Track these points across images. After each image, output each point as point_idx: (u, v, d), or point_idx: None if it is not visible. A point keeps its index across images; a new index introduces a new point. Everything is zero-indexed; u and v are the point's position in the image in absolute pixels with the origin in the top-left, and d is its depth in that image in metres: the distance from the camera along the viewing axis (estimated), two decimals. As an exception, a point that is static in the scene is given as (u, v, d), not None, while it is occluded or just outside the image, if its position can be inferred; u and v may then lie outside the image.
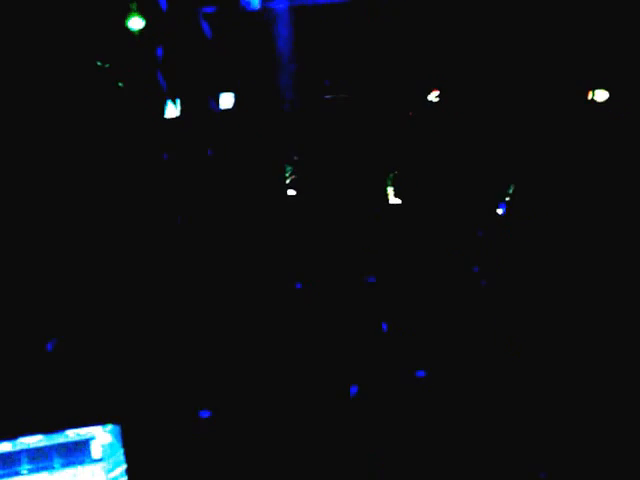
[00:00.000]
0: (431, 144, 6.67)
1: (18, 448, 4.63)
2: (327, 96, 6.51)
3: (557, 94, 6.79)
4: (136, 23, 6.46)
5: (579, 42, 6.72)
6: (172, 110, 6.46)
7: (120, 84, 6.41)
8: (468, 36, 6.58)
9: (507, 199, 6.64)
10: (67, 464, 4.69)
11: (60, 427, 4.77)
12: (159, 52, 6.29)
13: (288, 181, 6.55)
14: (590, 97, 6.85)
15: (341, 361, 5.97)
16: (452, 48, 6.60)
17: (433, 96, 6.66)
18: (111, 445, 4.80)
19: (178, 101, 6.41)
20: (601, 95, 6.86)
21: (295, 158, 6.56)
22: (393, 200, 6.69)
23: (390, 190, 6.66)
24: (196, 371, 5.48)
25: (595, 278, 6.49)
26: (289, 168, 6.55)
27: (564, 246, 6.63)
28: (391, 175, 6.63)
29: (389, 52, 6.55)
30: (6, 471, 4.63)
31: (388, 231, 6.65)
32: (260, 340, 5.75)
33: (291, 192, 6.58)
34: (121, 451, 4.85)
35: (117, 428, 4.92)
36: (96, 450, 4.71)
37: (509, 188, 6.71)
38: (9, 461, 4.63)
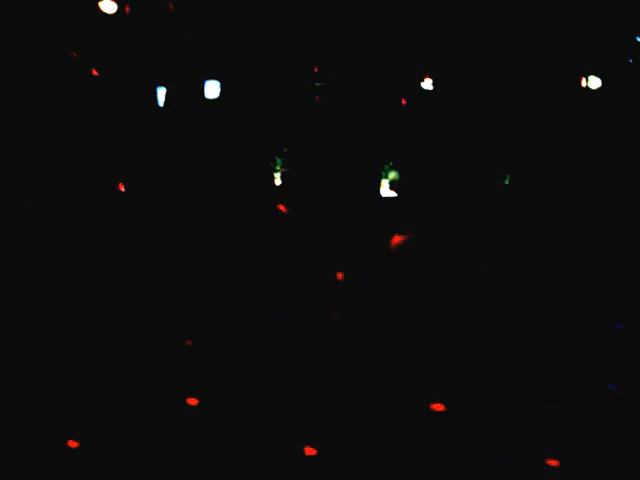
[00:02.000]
0: (425, 133, 6.41)
1: None
2: (318, 83, 6.20)
3: (551, 81, 6.62)
4: (109, 7, 6.05)
5: (572, 28, 6.57)
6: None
7: (94, 71, 5.97)
8: (462, 22, 6.36)
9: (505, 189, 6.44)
10: None
11: None
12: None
13: (278, 174, 6.22)
14: (584, 84, 6.70)
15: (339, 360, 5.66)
16: (446, 34, 6.36)
17: (427, 83, 6.41)
18: None
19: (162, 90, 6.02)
20: (594, 82, 6.73)
21: (285, 149, 6.24)
22: (388, 193, 6.42)
23: (384, 182, 6.39)
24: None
25: (593, 272, 6.34)
26: (279, 160, 6.22)
27: (562, 240, 6.45)
28: (386, 167, 6.35)
29: (381, 38, 6.28)
30: None
31: (381, 225, 6.36)
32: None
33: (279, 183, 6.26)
34: None
35: None
36: None
37: (505, 179, 6.50)
38: None
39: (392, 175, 6.32)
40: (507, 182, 6.51)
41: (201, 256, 5.83)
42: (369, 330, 5.73)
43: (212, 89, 6.12)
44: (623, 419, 5.05)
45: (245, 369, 5.33)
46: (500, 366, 5.53)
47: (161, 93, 6.13)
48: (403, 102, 6.38)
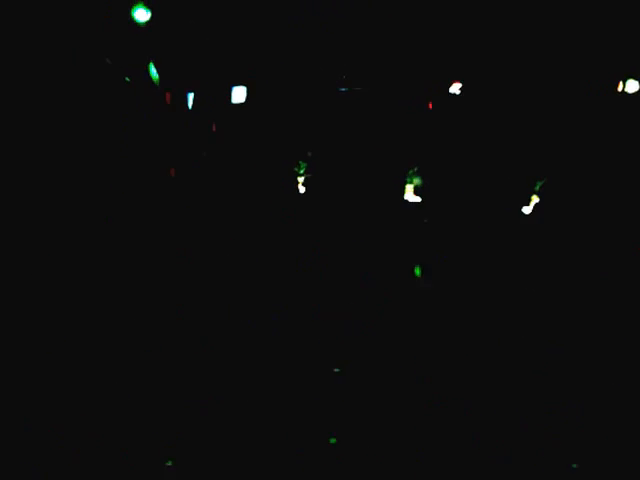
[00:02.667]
0: (452, 138, 6.35)
1: None
2: (342, 89, 6.22)
3: (586, 85, 6.45)
4: (142, 15, 6.20)
5: (609, 31, 6.39)
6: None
7: (127, 79, 6.15)
8: (492, 25, 6.26)
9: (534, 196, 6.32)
10: None
11: None
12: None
13: (301, 178, 6.27)
14: (621, 88, 6.52)
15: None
16: (474, 38, 6.28)
17: (455, 88, 6.35)
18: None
19: (191, 95, 6.16)
20: (632, 86, 6.53)
21: (309, 154, 6.28)
22: (412, 198, 6.38)
23: (409, 187, 6.36)
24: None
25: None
26: (303, 165, 6.27)
27: (595, 246, 6.29)
28: (410, 172, 6.32)
29: (408, 43, 6.25)
30: None
31: (405, 231, 6.34)
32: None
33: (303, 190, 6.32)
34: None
35: None
36: None
37: (536, 185, 6.38)
38: None
39: (416, 180, 6.30)
40: (537, 187, 6.40)
41: (202, 256, 5.92)
42: (369, 330, 5.74)
43: (239, 94, 6.24)
44: (624, 420, 4.94)
45: (245, 369, 5.40)
46: (504, 367, 5.47)
47: (190, 98, 6.29)
48: (430, 106, 6.34)
